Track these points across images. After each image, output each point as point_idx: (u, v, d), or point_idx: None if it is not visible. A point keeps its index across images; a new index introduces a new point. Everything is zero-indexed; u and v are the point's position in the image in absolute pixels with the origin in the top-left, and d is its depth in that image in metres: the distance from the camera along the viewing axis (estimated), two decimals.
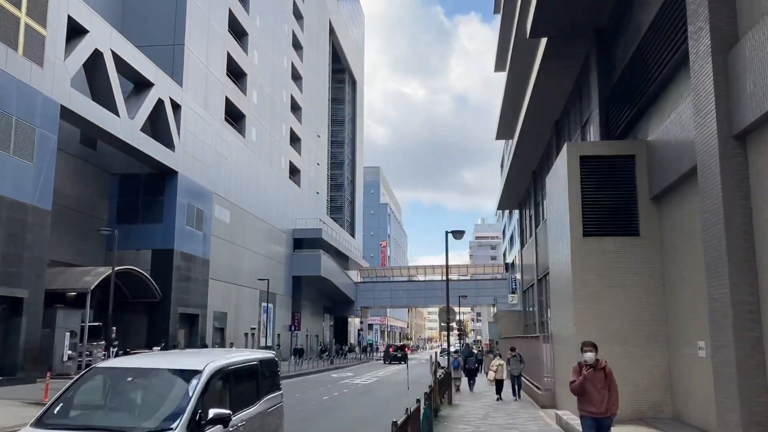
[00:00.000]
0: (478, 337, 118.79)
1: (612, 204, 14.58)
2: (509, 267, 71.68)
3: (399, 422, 7.33)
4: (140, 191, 35.25)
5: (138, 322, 34.01)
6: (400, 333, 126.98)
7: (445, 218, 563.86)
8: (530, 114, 24.66)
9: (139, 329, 33.82)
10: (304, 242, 58.58)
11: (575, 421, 12.07)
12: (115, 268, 30.38)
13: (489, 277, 77.07)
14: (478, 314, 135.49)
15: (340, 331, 77.76)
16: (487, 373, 35.57)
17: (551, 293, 18.16)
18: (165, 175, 34.79)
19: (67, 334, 26.60)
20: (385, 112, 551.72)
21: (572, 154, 14.90)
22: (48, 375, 18.73)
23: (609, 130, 17.11)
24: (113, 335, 30.15)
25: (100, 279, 28.38)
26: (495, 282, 71.88)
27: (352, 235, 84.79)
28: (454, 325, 29.50)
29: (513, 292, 59.30)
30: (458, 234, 19.11)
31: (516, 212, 54.61)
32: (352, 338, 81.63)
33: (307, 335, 61.88)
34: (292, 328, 56.76)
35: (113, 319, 33.21)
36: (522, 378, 20.63)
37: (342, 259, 71.48)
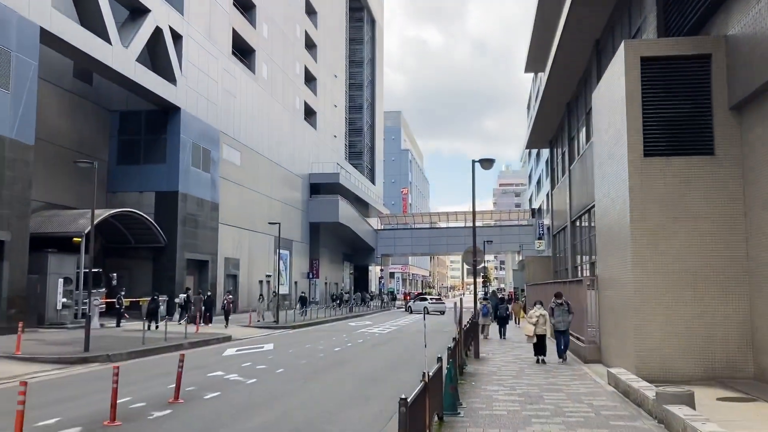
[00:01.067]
0: (502, 285, 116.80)
1: (680, 117, 11.80)
2: (536, 212, 68.88)
3: (410, 399, 4.90)
4: (141, 129, 32.86)
5: (143, 268, 32.11)
6: (422, 281, 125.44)
7: (466, 167, 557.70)
8: (566, 36, 21.53)
9: (144, 276, 31.94)
10: (321, 187, 56.21)
11: (639, 383, 9.60)
12: (113, 210, 28.32)
13: (514, 223, 74.31)
14: (502, 262, 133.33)
15: (361, 280, 76.05)
16: (517, 321, 33.72)
17: (598, 232, 15.54)
18: (167, 112, 32.28)
19: (61, 280, 24.68)
20: (402, 59, 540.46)
21: (631, 54, 12.04)
22: (21, 325, 16.68)
23: (669, 35, 14.15)
24: (114, 281, 28.31)
25: (96, 222, 26.22)
26: (520, 228, 69.26)
27: (372, 181, 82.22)
28: (480, 269, 27.02)
29: (540, 238, 56.82)
30: (487, 163, 16.31)
31: (545, 152, 51.52)
32: (373, 286, 79.93)
33: (326, 283, 60.16)
34: (310, 276, 54.98)
35: (116, 266, 31.41)
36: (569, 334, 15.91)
37: (362, 206, 69.13)
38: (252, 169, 41.98)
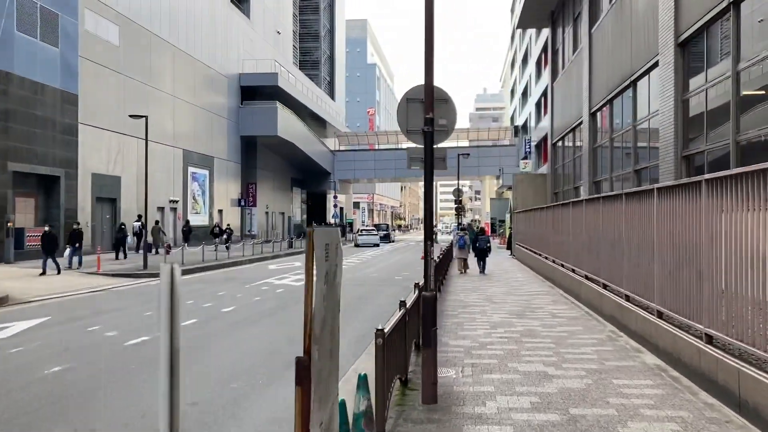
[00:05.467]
0: (477, 217, 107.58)
1: None
2: (519, 130, 58.50)
3: None
4: None
5: None
6: (391, 212, 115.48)
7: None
8: None
9: None
10: (257, 93, 44.86)
11: None
12: None
13: (493, 143, 63.98)
14: (477, 192, 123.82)
15: (316, 209, 65.58)
16: (509, 248, 24.04)
17: None
18: None
19: None
20: None
21: None
22: None
23: None
24: None
25: None
26: (501, 149, 59.02)
27: (332, 96, 70.65)
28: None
29: (525, 158, 46.67)
30: None
31: (535, 53, 40.57)
32: (330, 217, 69.58)
33: (267, 212, 49.55)
34: (243, 203, 44.35)
35: None
36: None
37: (319, 124, 58.17)
38: (142, 54, 30.53)
